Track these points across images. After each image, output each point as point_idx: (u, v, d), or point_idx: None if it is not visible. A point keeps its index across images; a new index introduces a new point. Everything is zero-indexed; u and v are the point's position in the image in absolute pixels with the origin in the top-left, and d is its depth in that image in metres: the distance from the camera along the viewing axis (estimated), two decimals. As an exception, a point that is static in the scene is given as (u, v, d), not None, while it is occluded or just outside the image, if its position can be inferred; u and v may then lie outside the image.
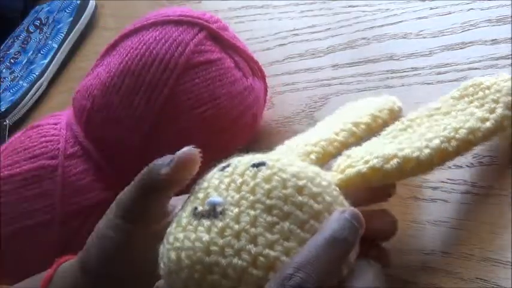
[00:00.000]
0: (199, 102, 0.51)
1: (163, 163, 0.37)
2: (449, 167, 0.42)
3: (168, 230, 0.35)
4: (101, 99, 0.52)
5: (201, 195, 0.35)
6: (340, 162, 0.39)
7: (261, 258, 0.32)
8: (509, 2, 0.48)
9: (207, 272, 0.32)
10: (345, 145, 0.42)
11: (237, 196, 0.34)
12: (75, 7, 0.87)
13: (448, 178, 0.42)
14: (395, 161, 0.37)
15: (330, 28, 0.60)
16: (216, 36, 0.53)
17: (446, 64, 0.48)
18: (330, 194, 0.35)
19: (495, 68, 0.45)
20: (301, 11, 0.64)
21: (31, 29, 0.90)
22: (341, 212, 0.33)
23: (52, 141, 0.54)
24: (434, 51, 0.50)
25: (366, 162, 0.37)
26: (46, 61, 0.84)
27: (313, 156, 0.40)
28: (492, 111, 0.39)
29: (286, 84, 0.58)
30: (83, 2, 0.88)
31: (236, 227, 0.32)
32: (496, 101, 0.39)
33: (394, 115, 0.46)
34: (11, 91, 0.83)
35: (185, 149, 0.37)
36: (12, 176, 0.52)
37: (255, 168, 0.35)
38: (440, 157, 0.37)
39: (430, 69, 0.49)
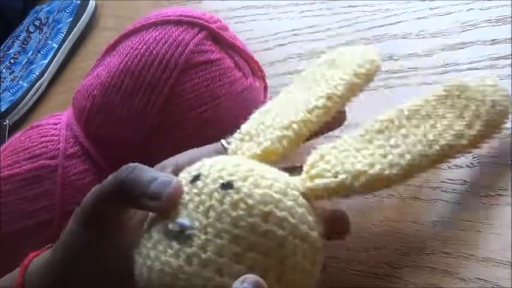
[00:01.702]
0: (199, 102, 0.51)
1: (142, 185, 0.37)
2: (449, 167, 0.42)
3: (141, 239, 0.36)
4: (101, 99, 0.52)
5: (172, 211, 0.36)
6: (312, 163, 0.39)
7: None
8: (509, 2, 0.48)
9: None
10: (319, 123, 0.42)
11: (204, 222, 0.35)
12: (75, 7, 0.87)
13: (448, 178, 0.42)
14: (363, 178, 0.37)
15: (330, 28, 0.60)
16: (216, 36, 0.53)
17: (446, 64, 0.48)
18: (295, 215, 0.35)
19: (495, 68, 0.45)
20: (301, 11, 0.64)
21: (31, 29, 0.90)
22: (241, 282, 0.33)
23: (52, 141, 0.54)
24: (434, 51, 0.50)
25: (335, 175, 0.38)
26: (46, 61, 0.84)
27: (285, 142, 0.40)
28: (470, 126, 0.39)
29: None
30: (83, 2, 0.88)
31: (203, 256, 0.34)
32: (476, 115, 0.39)
33: (372, 76, 0.45)
34: (11, 91, 0.83)
35: (174, 183, 0.36)
36: (12, 176, 0.52)
37: (223, 191, 0.35)
38: (410, 174, 0.38)
39: (430, 69, 0.49)
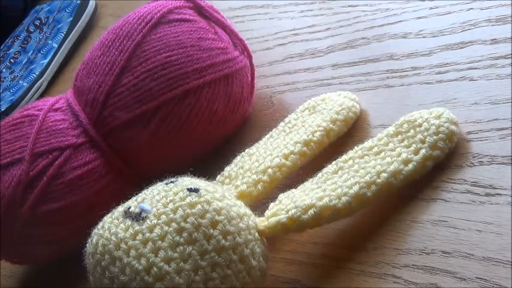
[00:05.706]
0: (166, 48, 0.53)
1: None
2: (449, 167, 0.42)
3: (105, 216, 0.40)
4: (88, 58, 0.56)
5: (139, 198, 0.40)
6: (272, 206, 0.42)
7: (155, 268, 0.36)
8: (509, 2, 0.48)
9: (111, 263, 0.37)
10: (294, 168, 0.45)
11: (161, 210, 0.38)
12: (75, 7, 0.87)
13: (448, 178, 0.42)
14: (312, 211, 0.39)
15: (329, 28, 0.60)
16: (199, 8, 0.56)
17: (446, 64, 0.48)
18: (242, 237, 0.38)
19: (495, 68, 0.45)
20: (301, 10, 0.64)
21: (31, 28, 0.90)
22: None
23: (44, 101, 0.58)
24: (434, 51, 0.50)
25: (287, 211, 0.40)
26: (46, 61, 0.84)
27: (260, 186, 0.44)
28: (417, 152, 0.41)
29: (286, 84, 0.59)
30: (83, 2, 0.88)
31: (147, 235, 0.37)
32: (422, 141, 0.41)
33: (349, 122, 0.48)
34: (11, 91, 0.83)
35: None
36: (4, 123, 0.57)
37: (188, 192, 0.39)
38: (359, 203, 0.40)
39: (430, 69, 0.49)
